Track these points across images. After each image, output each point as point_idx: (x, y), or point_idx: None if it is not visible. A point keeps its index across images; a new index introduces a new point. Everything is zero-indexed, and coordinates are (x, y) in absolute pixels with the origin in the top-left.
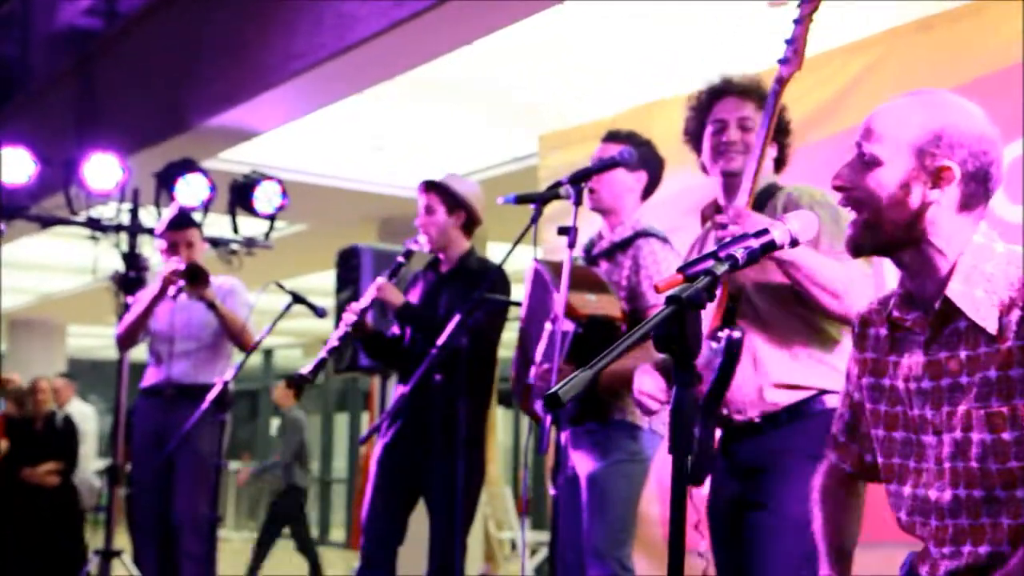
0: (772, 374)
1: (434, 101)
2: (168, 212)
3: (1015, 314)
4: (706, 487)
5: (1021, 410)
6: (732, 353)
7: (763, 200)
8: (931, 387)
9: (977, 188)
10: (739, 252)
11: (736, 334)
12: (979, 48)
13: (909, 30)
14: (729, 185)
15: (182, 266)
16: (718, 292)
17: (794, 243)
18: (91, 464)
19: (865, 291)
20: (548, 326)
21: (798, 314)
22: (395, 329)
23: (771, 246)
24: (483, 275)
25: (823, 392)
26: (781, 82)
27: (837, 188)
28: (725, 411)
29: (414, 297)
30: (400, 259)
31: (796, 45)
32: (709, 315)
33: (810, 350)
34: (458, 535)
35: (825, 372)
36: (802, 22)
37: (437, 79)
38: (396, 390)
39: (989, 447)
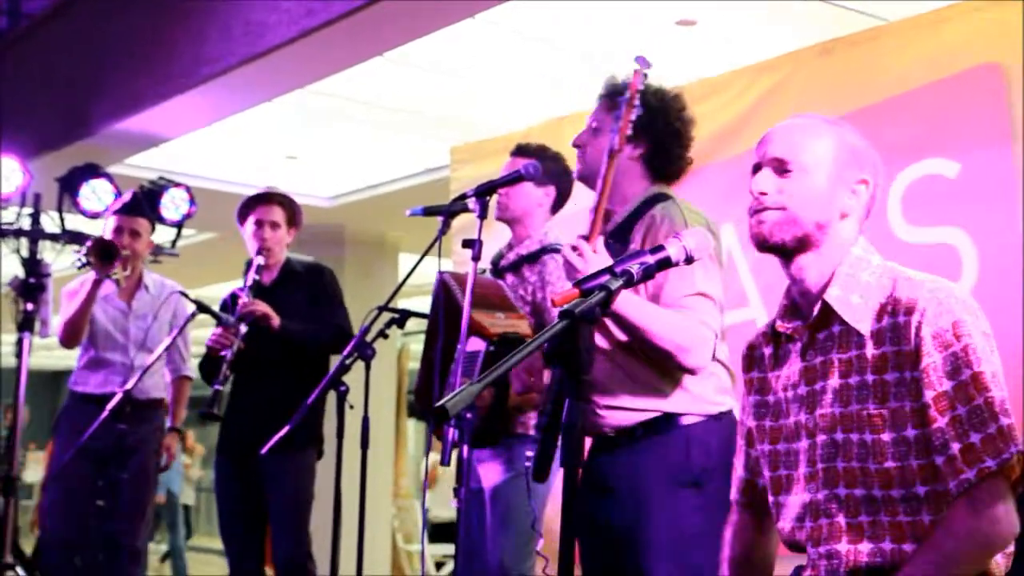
0: (607, 395)
1: (347, 111)
2: (123, 196)
3: (886, 320)
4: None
5: (897, 412)
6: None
7: (640, 214)
8: (807, 392)
9: (871, 202)
10: (634, 268)
11: None
12: (878, 73)
13: (811, 53)
14: (590, 187)
15: (91, 243)
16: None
17: (689, 260)
18: None
19: (707, 342)
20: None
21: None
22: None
23: (667, 262)
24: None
25: (670, 415)
26: (611, 154)
27: (761, 194)
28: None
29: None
30: (256, 276)
31: (617, 124)
32: None
33: (654, 384)
34: None
35: (673, 392)
36: (625, 104)
37: (349, 89)
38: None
39: (868, 447)
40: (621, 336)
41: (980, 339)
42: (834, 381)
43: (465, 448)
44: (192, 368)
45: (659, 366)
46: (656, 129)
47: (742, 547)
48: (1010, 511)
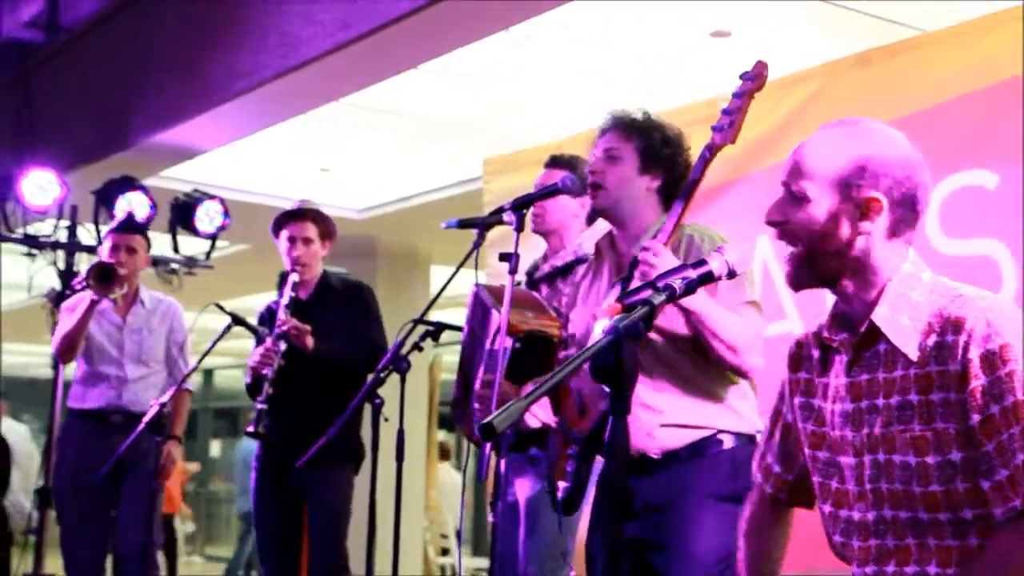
0: (665, 414)
1: (379, 123)
2: (118, 216)
3: (932, 339)
4: (583, 520)
5: (942, 434)
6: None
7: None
8: (852, 408)
9: (905, 214)
10: (677, 282)
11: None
12: (916, 83)
13: (847, 64)
14: (608, 218)
15: (90, 267)
16: None
17: (731, 274)
18: (29, 483)
19: (760, 348)
20: (487, 346)
21: (697, 356)
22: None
23: (709, 276)
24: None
25: (720, 431)
26: (712, 150)
27: (770, 223)
28: None
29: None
30: (292, 293)
31: (733, 117)
32: None
33: (707, 390)
34: None
35: (719, 412)
36: (742, 96)
37: (382, 101)
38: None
39: (913, 470)
40: (684, 330)
41: None
42: (879, 401)
43: (502, 463)
44: (192, 382)
45: (713, 372)
46: (675, 162)
47: (760, 544)
48: None
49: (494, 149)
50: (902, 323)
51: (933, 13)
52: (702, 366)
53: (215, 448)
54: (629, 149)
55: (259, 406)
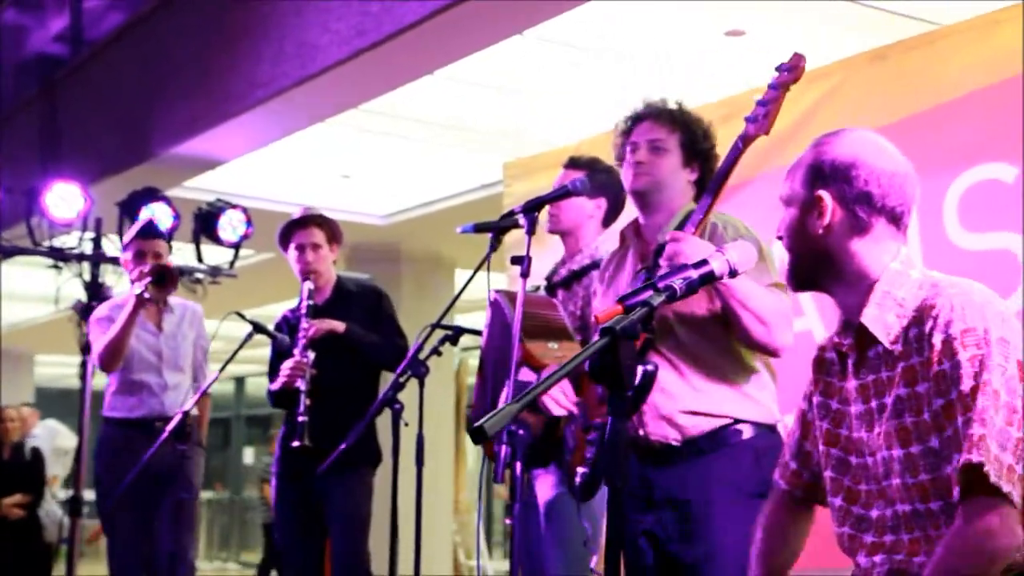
0: (683, 401)
1: (399, 129)
2: (138, 222)
3: (913, 331)
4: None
5: (922, 423)
6: (643, 386)
7: (683, 225)
8: (864, 410)
9: (863, 210)
10: (677, 283)
11: (649, 367)
12: (933, 77)
13: (864, 60)
14: (642, 203)
15: (147, 267)
16: None
17: (732, 273)
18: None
19: (789, 324)
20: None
21: (719, 344)
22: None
23: (710, 277)
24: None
25: (739, 421)
26: (745, 140)
27: (778, 238)
28: (642, 433)
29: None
30: (309, 300)
31: (768, 108)
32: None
33: (727, 379)
34: None
35: (740, 400)
36: (778, 88)
37: (401, 107)
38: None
39: (903, 461)
40: (703, 311)
41: (995, 348)
42: (883, 400)
43: (518, 465)
44: (212, 388)
45: (733, 359)
46: (711, 155)
47: (777, 541)
48: (1006, 522)
49: (514, 153)
50: (888, 321)
51: (949, 7)
52: (722, 352)
53: (248, 455)
54: (673, 142)
55: (300, 418)
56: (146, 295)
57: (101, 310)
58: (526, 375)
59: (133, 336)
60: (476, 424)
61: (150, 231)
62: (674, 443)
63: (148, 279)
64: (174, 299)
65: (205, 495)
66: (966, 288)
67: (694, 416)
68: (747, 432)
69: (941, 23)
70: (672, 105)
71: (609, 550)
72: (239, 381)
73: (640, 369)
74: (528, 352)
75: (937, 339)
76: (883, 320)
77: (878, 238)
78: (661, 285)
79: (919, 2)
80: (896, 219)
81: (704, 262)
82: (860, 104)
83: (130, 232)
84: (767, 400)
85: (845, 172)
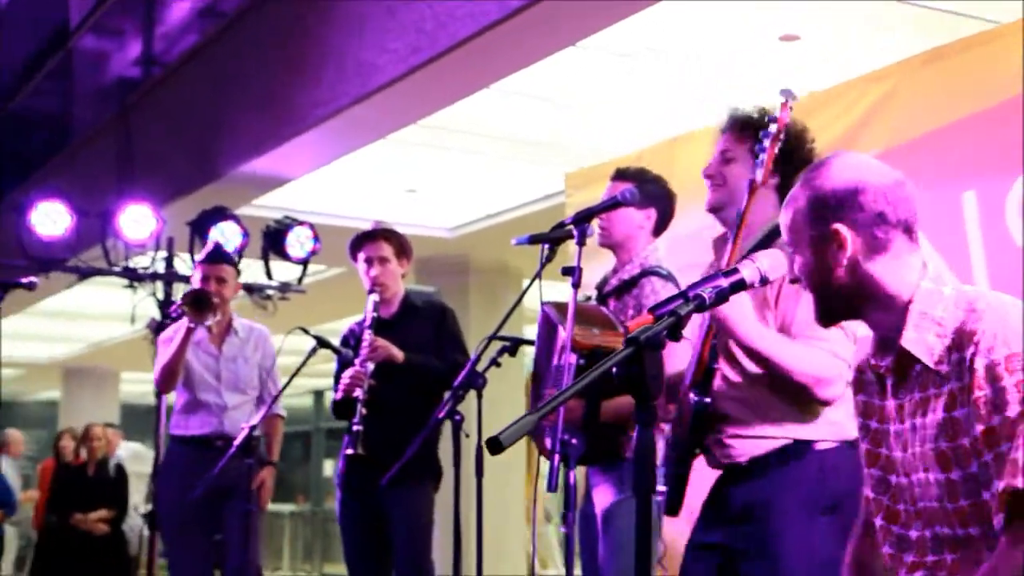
0: (747, 425)
1: (463, 142)
2: (207, 245)
3: (955, 355)
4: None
5: (962, 449)
6: (697, 418)
7: (769, 241)
8: (901, 429)
9: (880, 230)
10: (707, 292)
11: (706, 400)
12: (991, 76)
13: (920, 61)
14: (722, 221)
15: (185, 293)
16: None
17: (764, 281)
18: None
19: (843, 373)
20: (554, 361)
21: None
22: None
23: (740, 285)
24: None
25: (803, 441)
26: (752, 187)
27: (792, 281)
28: (709, 454)
29: None
30: (375, 313)
31: (762, 157)
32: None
33: (792, 399)
34: None
35: (805, 419)
36: (771, 138)
37: (464, 121)
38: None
39: (943, 486)
40: (755, 368)
41: None
42: (919, 420)
43: (572, 475)
44: (282, 407)
45: (794, 398)
46: (796, 160)
47: (859, 569)
48: None
49: (575, 163)
50: (929, 342)
51: (1006, 6)
52: (782, 396)
53: (328, 468)
54: (743, 151)
55: (355, 427)
56: (190, 322)
57: (168, 331)
58: (570, 359)
59: (194, 358)
60: (492, 435)
61: (214, 256)
62: (742, 462)
63: (184, 304)
64: (242, 321)
65: (287, 507)
66: (1003, 311)
67: (743, 440)
68: (820, 446)
69: (999, 21)
70: (752, 112)
71: (639, 561)
72: (318, 395)
73: (693, 399)
74: (572, 337)
75: (979, 364)
76: (924, 341)
77: (897, 253)
78: (691, 295)
79: (974, 1)
80: (909, 230)
81: (735, 270)
82: (917, 106)
83: (201, 254)
84: (842, 415)
85: (852, 198)
